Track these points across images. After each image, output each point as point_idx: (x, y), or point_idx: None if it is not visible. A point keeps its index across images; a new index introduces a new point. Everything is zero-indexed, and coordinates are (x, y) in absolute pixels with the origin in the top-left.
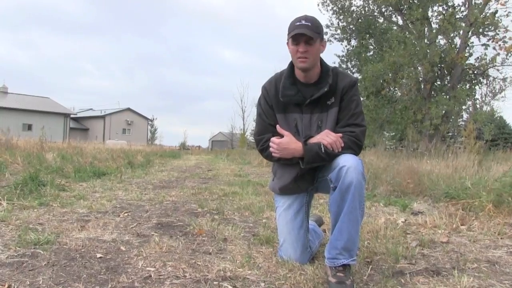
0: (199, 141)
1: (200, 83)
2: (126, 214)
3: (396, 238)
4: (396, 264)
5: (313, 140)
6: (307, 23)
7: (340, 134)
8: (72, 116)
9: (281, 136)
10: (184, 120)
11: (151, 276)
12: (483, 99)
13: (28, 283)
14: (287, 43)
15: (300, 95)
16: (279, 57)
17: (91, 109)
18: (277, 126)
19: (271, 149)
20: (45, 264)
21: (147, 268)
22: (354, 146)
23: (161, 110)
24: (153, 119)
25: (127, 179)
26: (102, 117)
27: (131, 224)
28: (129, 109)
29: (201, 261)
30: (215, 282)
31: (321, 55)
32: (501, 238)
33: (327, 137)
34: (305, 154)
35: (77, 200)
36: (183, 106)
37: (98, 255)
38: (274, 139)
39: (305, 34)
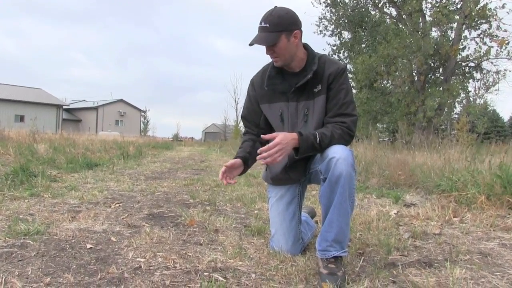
0: (192, 133)
1: (193, 74)
2: (117, 205)
3: (388, 230)
4: (388, 255)
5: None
6: (265, 25)
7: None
8: (64, 107)
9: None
10: (177, 111)
11: (141, 267)
12: (477, 92)
13: (17, 273)
14: None
15: (286, 84)
16: None
17: (83, 100)
18: (262, 136)
19: (269, 159)
20: (34, 255)
21: (137, 259)
22: (346, 136)
23: (154, 101)
24: (146, 110)
25: (120, 170)
26: (95, 108)
27: (122, 215)
28: (122, 101)
29: (192, 252)
30: (205, 273)
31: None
32: (494, 230)
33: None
34: (300, 144)
35: (68, 191)
36: (176, 97)
37: (88, 246)
38: (269, 145)
39: (260, 44)
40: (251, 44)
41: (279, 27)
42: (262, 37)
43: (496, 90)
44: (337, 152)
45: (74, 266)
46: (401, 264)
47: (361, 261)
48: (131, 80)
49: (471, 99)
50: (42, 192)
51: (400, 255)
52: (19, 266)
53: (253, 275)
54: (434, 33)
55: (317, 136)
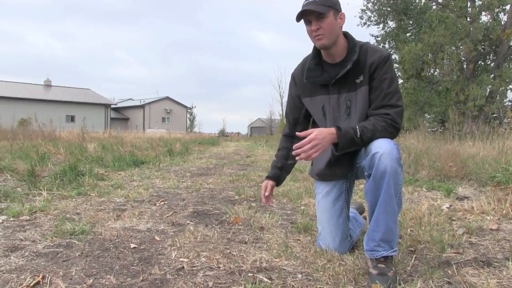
0: (238, 128)
1: (237, 68)
2: (162, 203)
3: (441, 225)
4: (441, 253)
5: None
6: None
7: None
8: (112, 106)
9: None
10: (223, 107)
11: (184, 267)
12: None
13: (61, 274)
14: (306, 28)
15: (326, 75)
16: None
17: (130, 99)
18: (297, 133)
19: (304, 155)
20: (79, 255)
21: (180, 259)
22: (390, 129)
23: (200, 98)
24: (192, 107)
25: (165, 167)
26: (142, 106)
27: (167, 212)
28: (167, 98)
29: (236, 251)
30: (249, 274)
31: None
32: None
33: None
34: (339, 139)
35: (114, 189)
36: (221, 93)
37: (132, 246)
38: (302, 141)
39: (311, 9)
40: (299, 16)
41: (328, 2)
42: (312, 5)
43: None
44: (380, 147)
45: (117, 267)
46: (456, 263)
47: (412, 260)
48: (176, 77)
49: None
50: (89, 191)
51: (454, 253)
52: (63, 267)
53: (299, 276)
54: (484, 17)
55: (358, 130)
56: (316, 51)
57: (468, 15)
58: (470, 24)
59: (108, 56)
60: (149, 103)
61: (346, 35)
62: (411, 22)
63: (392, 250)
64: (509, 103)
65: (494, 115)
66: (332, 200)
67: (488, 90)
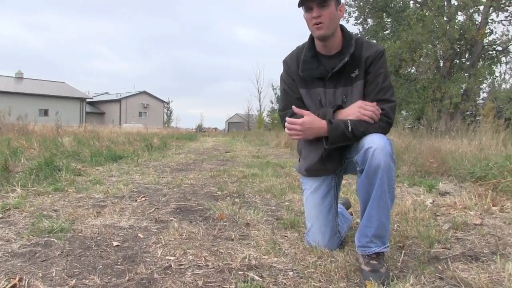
0: (215, 123)
1: (216, 63)
2: (143, 199)
3: (426, 221)
4: (430, 249)
5: (343, 113)
6: None
7: (375, 103)
8: (88, 100)
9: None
10: (200, 102)
11: (171, 266)
12: (502, 77)
13: (41, 275)
14: (303, 16)
15: (322, 69)
16: (296, 34)
17: (106, 93)
18: (293, 107)
19: (290, 131)
20: (59, 254)
21: (167, 257)
22: (384, 124)
23: (177, 92)
24: (169, 101)
25: (144, 162)
26: (118, 100)
27: (149, 209)
28: (145, 92)
29: (224, 248)
30: (240, 272)
31: None
32: None
33: (364, 111)
34: (329, 133)
35: (93, 185)
36: (199, 88)
37: (115, 243)
38: (293, 120)
39: None
40: (302, 1)
41: None
42: None
43: None
44: (374, 142)
45: (101, 266)
46: (445, 258)
47: (402, 255)
48: (154, 71)
49: (496, 84)
50: (66, 187)
51: (442, 248)
52: (42, 267)
53: (291, 273)
54: (460, 17)
55: (349, 124)
56: (311, 42)
57: (445, 14)
58: (447, 24)
59: (85, 49)
60: (126, 97)
61: (342, 28)
62: (389, 20)
63: (384, 246)
64: (481, 101)
65: (467, 113)
66: (321, 196)
67: (464, 88)
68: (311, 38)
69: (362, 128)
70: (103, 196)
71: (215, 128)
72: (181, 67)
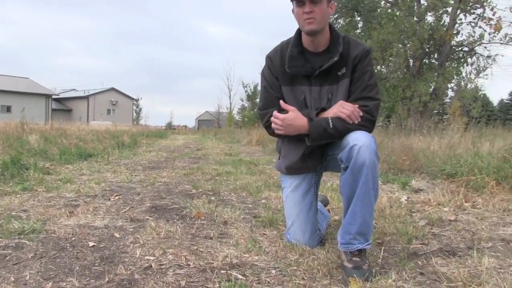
0: (185, 121)
1: (186, 60)
2: (117, 198)
3: (402, 217)
4: (408, 245)
5: (326, 113)
6: None
7: (357, 105)
8: (54, 97)
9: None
10: (170, 99)
11: (151, 266)
12: (468, 76)
13: (13, 279)
14: (292, 10)
15: (309, 66)
16: (267, 32)
17: (73, 89)
18: (281, 102)
19: (273, 125)
20: (32, 256)
21: (146, 257)
22: (367, 122)
23: (146, 90)
24: (138, 99)
25: (115, 160)
26: (86, 97)
27: (124, 208)
28: (113, 89)
29: (203, 247)
30: (222, 271)
31: None
32: (507, 215)
33: (343, 109)
34: (310, 130)
35: (63, 183)
36: (168, 85)
37: (91, 244)
38: (277, 114)
39: None
40: None
41: None
42: None
43: (486, 75)
44: (359, 139)
45: (78, 268)
46: (424, 254)
47: (382, 252)
48: (123, 68)
49: (463, 83)
50: (35, 186)
51: (420, 244)
52: (14, 271)
53: (273, 271)
54: (429, 17)
55: (330, 121)
56: (298, 38)
57: (415, 14)
58: (417, 24)
59: (51, 44)
60: (94, 94)
61: (330, 25)
62: (359, 19)
63: (367, 243)
64: (448, 101)
65: (435, 111)
66: (301, 194)
67: (432, 87)
68: (298, 33)
69: (344, 125)
70: (75, 195)
71: (185, 126)
72: (151, 64)
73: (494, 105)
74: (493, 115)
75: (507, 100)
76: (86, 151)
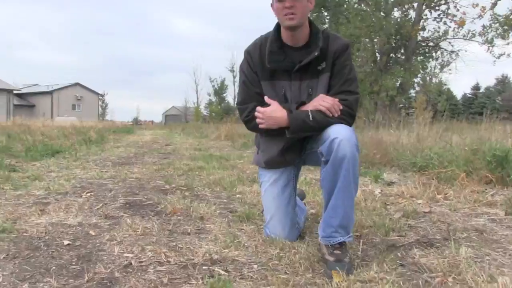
0: (152, 116)
1: (152, 55)
2: (88, 194)
3: (378, 210)
4: (386, 237)
5: (305, 107)
6: None
7: (337, 99)
8: (15, 92)
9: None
10: (136, 94)
11: (131, 263)
12: (432, 71)
13: None
14: (271, 5)
15: (289, 61)
16: (234, 28)
17: (36, 84)
18: (266, 97)
19: (258, 119)
20: (4, 257)
21: (125, 255)
22: (347, 116)
23: (112, 85)
24: (104, 94)
25: (83, 156)
26: (49, 92)
27: (96, 205)
28: (78, 84)
29: (182, 243)
30: (204, 267)
31: None
32: (478, 206)
33: (323, 102)
34: (290, 123)
35: (31, 181)
36: (135, 80)
37: (66, 242)
38: (259, 108)
39: None
40: None
41: None
42: None
43: (449, 69)
44: (339, 132)
45: (54, 268)
46: (402, 246)
47: (361, 245)
48: (88, 62)
49: (428, 78)
50: (1, 184)
51: (398, 236)
52: None
53: (255, 266)
54: (396, 13)
55: (309, 113)
56: (278, 33)
57: (382, 9)
58: (384, 19)
59: (13, 37)
60: (58, 89)
61: (309, 20)
62: (326, 14)
63: (349, 236)
64: (414, 95)
65: (401, 105)
66: (280, 188)
67: (399, 81)
68: (277, 28)
69: (324, 118)
70: (45, 192)
71: (152, 121)
72: (117, 58)
73: (458, 99)
74: (457, 109)
75: (469, 94)
76: (53, 147)
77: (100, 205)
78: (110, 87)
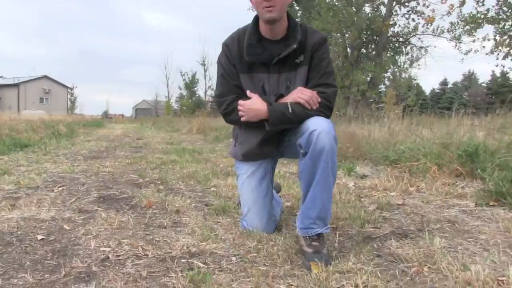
0: (122, 110)
1: (122, 48)
2: (61, 189)
3: (352, 203)
4: (362, 228)
5: (284, 99)
6: None
7: (315, 92)
8: None
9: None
10: (106, 88)
11: (108, 257)
12: (403, 66)
13: None
14: None
15: (267, 53)
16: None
17: (1, 76)
18: (248, 91)
19: (240, 112)
20: None
21: (102, 249)
22: (325, 108)
23: (82, 78)
24: (73, 87)
25: (53, 150)
26: (16, 85)
27: (69, 199)
28: (46, 77)
29: (159, 236)
30: (182, 260)
31: None
32: (450, 198)
33: (301, 94)
34: (270, 115)
35: (0, 175)
36: (104, 74)
37: (39, 237)
38: (240, 101)
39: None
40: None
41: None
42: None
43: (419, 65)
44: (318, 124)
45: (29, 263)
46: (378, 237)
47: (337, 236)
48: (56, 55)
49: (398, 73)
50: None
51: (373, 228)
52: None
53: (234, 258)
54: (367, 8)
55: (288, 105)
56: (256, 26)
57: (353, 4)
58: (355, 14)
59: None
60: (25, 82)
61: (287, 13)
62: (298, 8)
63: (326, 227)
64: (384, 90)
65: (372, 100)
66: (258, 180)
67: (370, 76)
68: (255, 21)
69: (303, 110)
70: (15, 187)
71: (122, 115)
72: (86, 51)
73: (427, 94)
74: (426, 104)
75: (438, 89)
76: (21, 141)
77: (73, 199)
78: (80, 81)
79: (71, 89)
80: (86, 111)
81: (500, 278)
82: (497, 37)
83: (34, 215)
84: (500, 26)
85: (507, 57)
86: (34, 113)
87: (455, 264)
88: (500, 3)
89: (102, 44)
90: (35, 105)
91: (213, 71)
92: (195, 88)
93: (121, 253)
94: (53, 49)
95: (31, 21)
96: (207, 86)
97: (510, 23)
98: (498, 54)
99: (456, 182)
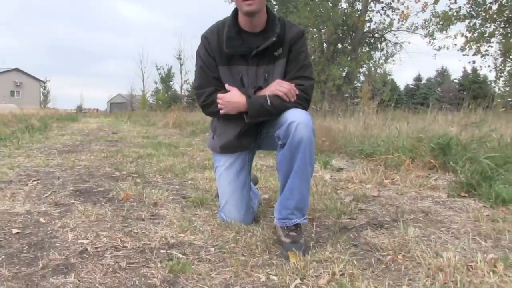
0: (96, 104)
1: (96, 41)
2: (35, 182)
3: (329, 195)
4: (338, 219)
5: (262, 92)
6: None
7: (293, 84)
8: None
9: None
10: (80, 81)
11: (87, 249)
12: (377, 62)
13: None
14: None
15: (246, 46)
16: (180, 15)
17: None
18: (226, 84)
19: (219, 105)
20: None
21: (79, 241)
22: (303, 101)
23: (54, 71)
24: (46, 80)
25: (26, 144)
26: None
27: (45, 192)
28: (17, 70)
29: (137, 228)
30: (161, 251)
31: None
32: (423, 190)
33: (280, 87)
34: (249, 107)
35: None
36: (78, 67)
37: (15, 231)
38: (219, 94)
39: None
40: None
41: None
42: None
43: (394, 60)
44: (296, 116)
45: (4, 256)
46: (354, 227)
47: (314, 227)
48: (28, 47)
49: (373, 68)
50: None
51: (349, 219)
52: None
53: (212, 249)
54: (344, 4)
55: (267, 98)
56: (235, 18)
57: (330, 0)
58: (332, 9)
59: None
60: None
61: (266, 6)
62: (275, 3)
63: (304, 218)
64: (359, 85)
65: (347, 95)
66: (236, 172)
67: (346, 71)
68: (234, 14)
69: (281, 102)
70: None
71: (97, 109)
72: (59, 44)
73: (401, 89)
74: (400, 99)
75: (412, 85)
76: None
77: (49, 193)
78: (52, 74)
79: (44, 82)
80: (59, 105)
81: (469, 264)
82: (467, 34)
83: (8, 209)
84: (470, 23)
85: (477, 54)
86: (4, 106)
87: (428, 252)
88: (470, 1)
89: (76, 36)
90: (5, 99)
91: (189, 65)
92: (171, 82)
93: (100, 245)
94: (24, 41)
95: (0, 11)
96: (183, 80)
97: (479, 20)
98: (468, 50)
99: (429, 174)
